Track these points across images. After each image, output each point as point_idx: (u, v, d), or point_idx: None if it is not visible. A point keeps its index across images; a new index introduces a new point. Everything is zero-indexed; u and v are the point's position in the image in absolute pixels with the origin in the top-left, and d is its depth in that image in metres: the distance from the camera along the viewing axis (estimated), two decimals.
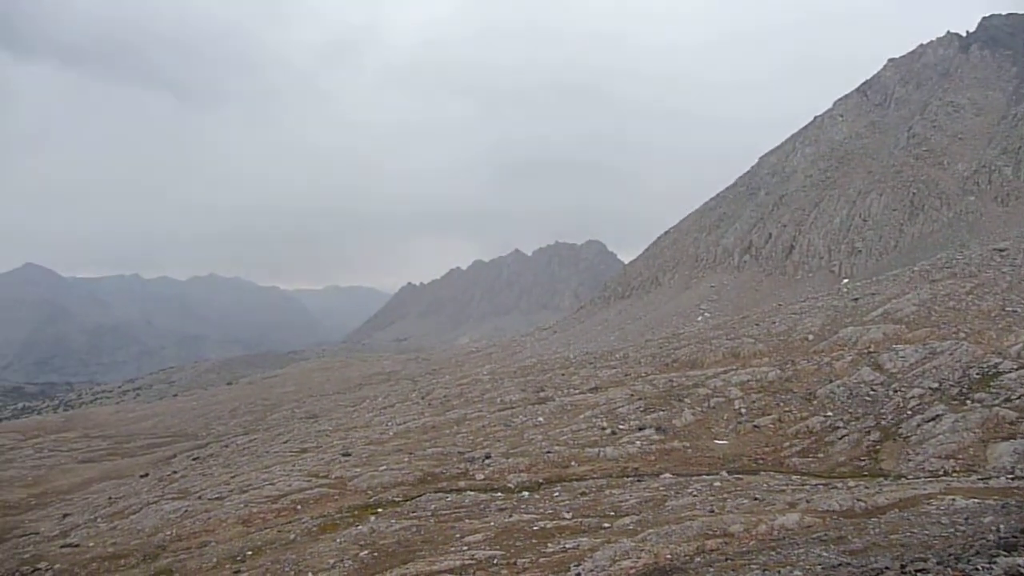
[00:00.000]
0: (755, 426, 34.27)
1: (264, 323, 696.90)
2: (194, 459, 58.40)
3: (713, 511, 20.08)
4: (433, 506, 26.33)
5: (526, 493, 27.11)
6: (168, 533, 30.54)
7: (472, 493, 27.98)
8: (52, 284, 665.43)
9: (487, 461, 33.42)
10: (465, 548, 20.08)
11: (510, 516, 23.28)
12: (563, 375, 53.55)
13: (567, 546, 18.51)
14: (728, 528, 17.48)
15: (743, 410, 36.33)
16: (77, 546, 31.84)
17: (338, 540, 23.28)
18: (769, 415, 35.10)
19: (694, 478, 26.17)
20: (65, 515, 46.30)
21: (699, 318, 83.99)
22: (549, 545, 19.16)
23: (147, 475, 55.58)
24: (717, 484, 24.43)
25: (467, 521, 23.47)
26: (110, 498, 47.90)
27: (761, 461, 30.09)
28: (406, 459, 36.45)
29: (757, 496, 21.39)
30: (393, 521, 24.57)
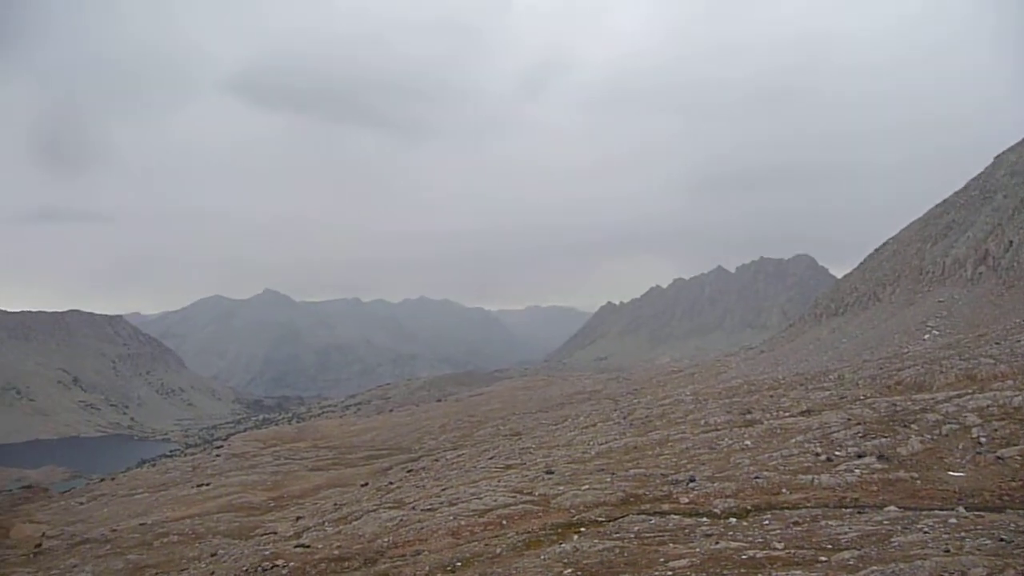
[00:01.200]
0: (998, 457, 30.53)
1: (470, 342, 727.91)
2: (408, 471, 61.88)
3: (949, 551, 18.11)
4: (636, 528, 25.95)
5: (733, 519, 25.97)
6: (386, 540, 32.50)
7: (676, 517, 27.27)
8: (287, 308, 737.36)
9: (691, 484, 32.47)
10: (669, 573, 19.59)
11: (717, 543, 22.42)
12: (772, 397, 51.00)
13: None
14: (967, 571, 15.67)
15: (982, 439, 32.52)
16: (308, 547, 34.72)
17: (542, 557, 23.58)
18: (1015, 445, 31.15)
19: (924, 512, 23.78)
20: (298, 518, 50.80)
21: (926, 336, 76.75)
22: (759, 574, 18.24)
23: (367, 484, 59.65)
24: (952, 521, 22.03)
25: (671, 545, 22.89)
26: (335, 504, 51.93)
27: (1007, 498, 26.75)
28: (608, 479, 36.30)
29: (1003, 537, 19.03)
30: (596, 541, 24.49)
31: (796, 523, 24.05)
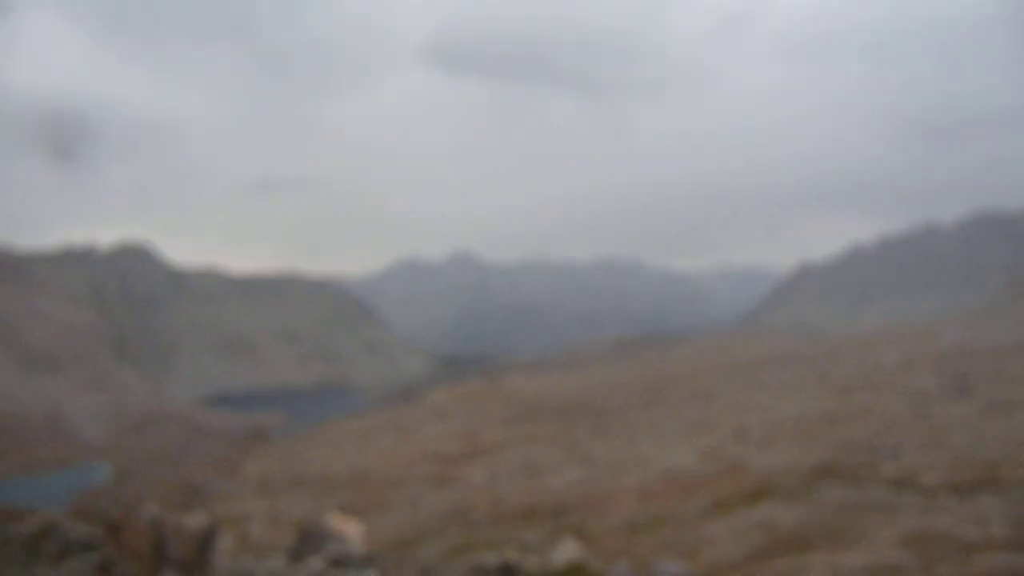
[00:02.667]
0: None
1: (657, 302, 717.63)
2: (595, 429, 62.52)
3: None
4: (833, 497, 24.72)
5: (945, 495, 24.05)
6: (573, 495, 33.21)
7: (879, 488, 25.65)
8: (477, 268, 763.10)
9: (897, 455, 30.37)
10: (871, 547, 18.53)
11: (925, 520, 20.88)
12: (992, 364, 46.33)
13: (998, 562, 16.00)
14: None
15: None
16: (501, 497, 36.23)
17: (734, 522, 23.10)
18: None
19: None
20: (489, 469, 53.01)
21: None
22: (975, 556, 16.78)
23: (556, 440, 60.94)
24: None
25: (873, 518, 21.60)
26: (524, 458, 53.64)
27: None
28: (804, 445, 34.76)
29: None
30: (791, 509, 23.62)
31: (1021, 503, 21.84)
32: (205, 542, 10.91)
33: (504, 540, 27.70)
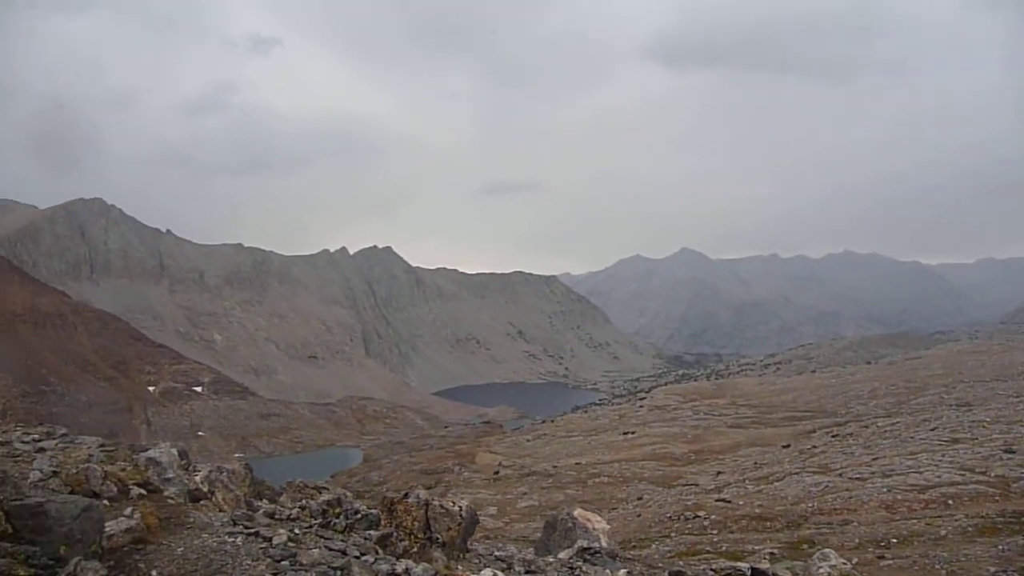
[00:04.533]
0: None
1: (904, 300, 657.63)
2: (833, 436, 58.57)
3: None
4: None
5: None
6: (809, 505, 31.30)
7: None
8: (703, 265, 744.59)
9: None
10: None
11: None
12: None
13: None
14: None
15: None
16: (729, 502, 35.06)
17: (999, 547, 20.58)
18: None
19: None
20: (718, 472, 51.54)
21: None
22: None
23: (788, 446, 57.94)
24: None
25: None
26: (755, 463, 51.48)
27: None
28: None
29: None
30: None
31: None
32: (468, 526, 11.67)
33: (736, 547, 26.75)
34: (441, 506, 11.40)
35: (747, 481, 41.21)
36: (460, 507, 11.62)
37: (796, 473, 38.49)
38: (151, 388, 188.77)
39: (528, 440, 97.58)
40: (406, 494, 11.55)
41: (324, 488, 14.02)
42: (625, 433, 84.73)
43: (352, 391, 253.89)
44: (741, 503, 34.39)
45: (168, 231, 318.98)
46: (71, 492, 8.96)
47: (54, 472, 9.87)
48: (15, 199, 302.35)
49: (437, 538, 11.16)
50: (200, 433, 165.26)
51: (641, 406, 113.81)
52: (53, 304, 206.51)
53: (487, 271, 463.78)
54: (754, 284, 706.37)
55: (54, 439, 12.63)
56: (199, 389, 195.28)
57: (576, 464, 66.30)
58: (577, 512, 12.92)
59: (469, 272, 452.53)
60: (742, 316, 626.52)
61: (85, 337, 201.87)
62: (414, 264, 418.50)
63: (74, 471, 9.91)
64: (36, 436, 12.63)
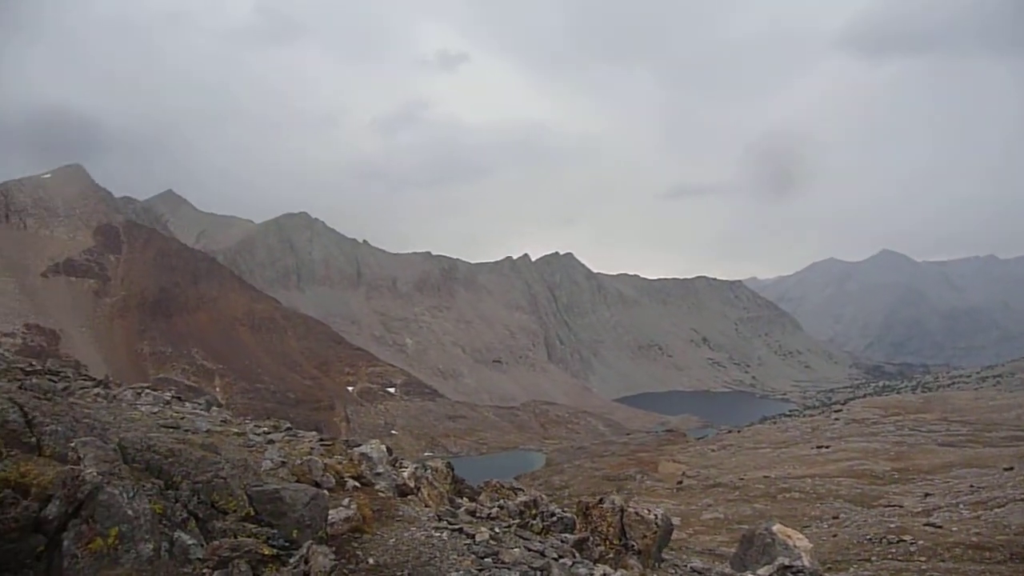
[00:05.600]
0: None
1: None
2: None
3: None
4: None
5: None
6: None
7: None
8: (906, 269, 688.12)
9: None
10: None
11: None
12: None
13: None
14: None
15: None
16: (939, 527, 32.05)
17: None
18: None
19: None
20: (926, 494, 47.28)
21: None
22: None
23: (1011, 469, 52.13)
24: None
25: None
26: (972, 486, 46.72)
27: None
28: None
29: None
30: None
31: None
32: (664, 535, 11.55)
33: None
34: (636, 513, 11.31)
35: (961, 505, 37.49)
36: (656, 515, 11.47)
37: (1022, 500, 34.53)
38: (350, 388, 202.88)
39: (713, 450, 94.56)
40: (601, 499, 11.56)
41: (519, 489, 14.34)
42: (819, 447, 79.91)
43: (535, 395, 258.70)
44: (954, 529, 31.34)
45: (364, 241, 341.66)
46: (296, 481, 9.86)
47: (282, 462, 10.98)
48: (235, 214, 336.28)
49: (632, 545, 11.08)
50: (393, 432, 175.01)
51: (837, 418, 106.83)
52: (267, 310, 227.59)
53: (669, 276, 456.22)
54: (968, 289, 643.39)
55: (280, 432, 14.00)
56: (392, 390, 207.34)
57: (764, 477, 63.38)
58: (777, 527, 12.30)
59: (651, 278, 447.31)
60: (954, 324, 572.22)
61: (293, 340, 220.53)
62: (595, 270, 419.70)
63: (298, 462, 11.00)
64: (266, 429, 14.09)
